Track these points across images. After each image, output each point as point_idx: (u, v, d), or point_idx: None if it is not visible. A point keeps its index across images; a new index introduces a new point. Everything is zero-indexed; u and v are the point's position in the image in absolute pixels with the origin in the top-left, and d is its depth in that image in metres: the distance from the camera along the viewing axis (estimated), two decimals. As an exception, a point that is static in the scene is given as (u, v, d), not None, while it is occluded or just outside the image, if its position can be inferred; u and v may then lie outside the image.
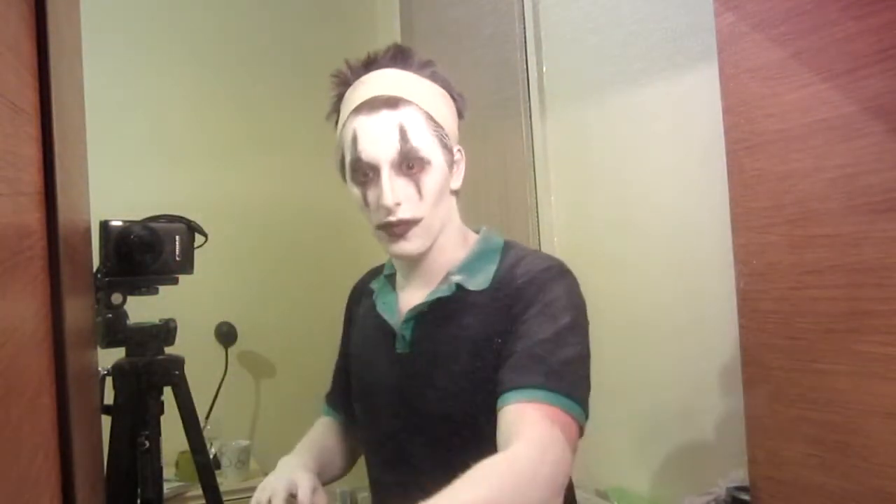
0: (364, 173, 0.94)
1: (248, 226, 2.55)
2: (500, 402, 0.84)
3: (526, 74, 1.93)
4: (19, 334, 0.56)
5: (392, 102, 0.93)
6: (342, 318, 1.21)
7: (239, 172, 2.56)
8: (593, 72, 1.76)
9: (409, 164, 0.93)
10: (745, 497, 1.14)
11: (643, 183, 1.63)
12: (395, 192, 0.92)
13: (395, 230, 0.94)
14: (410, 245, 0.95)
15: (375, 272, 1.15)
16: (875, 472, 0.78)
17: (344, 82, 1.01)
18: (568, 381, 0.85)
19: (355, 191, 0.97)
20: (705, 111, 1.19)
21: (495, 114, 2.03)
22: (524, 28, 1.93)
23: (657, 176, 1.60)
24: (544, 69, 1.91)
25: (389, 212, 0.92)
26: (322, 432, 1.15)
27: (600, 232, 1.77)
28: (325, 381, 1.24)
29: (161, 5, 2.48)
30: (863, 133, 0.78)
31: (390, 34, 2.67)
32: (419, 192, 0.94)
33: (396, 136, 0.92)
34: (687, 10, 1.49)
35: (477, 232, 1.05)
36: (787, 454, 0.88)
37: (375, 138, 0.92)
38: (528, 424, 0.79)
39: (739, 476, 1.24)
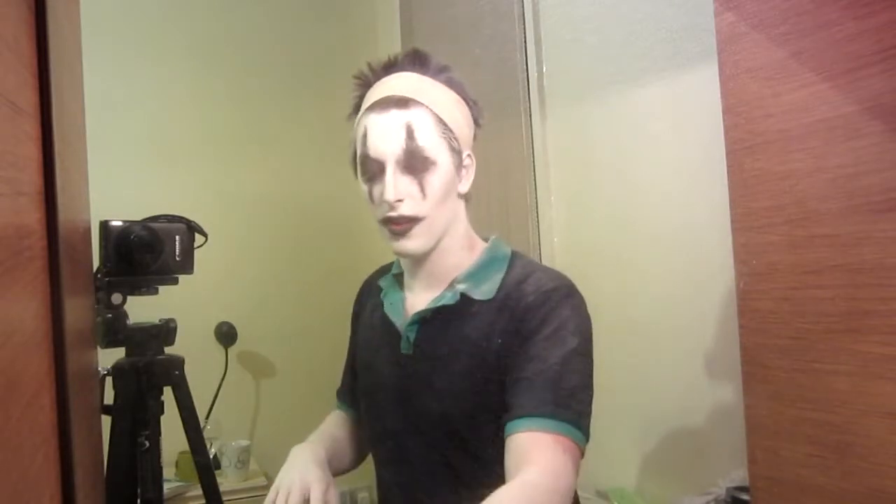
0: (371, 169, 0.97)
1: (248, 226, 2.55)
2: (511, 426, 0.87)
3: (526, 74, 1.93)
4: (19, 334, 0.56)
5: (402, 103, 0.96)
6: (350, 315, 1.22)
7: (239, 172, 2.56)
8: (593, 72, 1.76)
9: (414, 162, 0.95)
10: (745, 497, 1.14)
11: (643, 183, 1.63)
12: (397, 188, 0.94)
13: (396, 227, 0.96)
14: (411, 243, 0.97)
15: (385, 270, 1.17)
16: (875, 472, 0.78)
17: (366, 84, 1.03)
18: (575, 409, 0.88)
19: (363, 186, 1.00)
20: (705, 111, 1.18)
21: (495, 114, 2.03)
22: (524, 28, 1.93)
23: (657, 176, 1.60)
24: (544, 69, 1.91)
25: (391, 207, 0.95)
26: (335, 424, 1.17)
27: (600, 232, 1.77)
28: (325, 380, 1.25)
29: (161, 5, 2.48)
30: (863, 133, 0.78)
31: (390, 34, 2.67)
32: (422, 190, 0.96)
33: (403, 135, 0.95)
34: (687, 10, 1.49)
35: (485, 240, 1.07)
36: (787, 454, 0.88)
37: (383, 135, 0.95)
38: (541, 452, 0.83)
39: (739, 476, 1.24)
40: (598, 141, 1.78)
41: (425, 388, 0.98)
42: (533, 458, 0.82)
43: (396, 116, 0.95)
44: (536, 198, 1.92)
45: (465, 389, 0.95)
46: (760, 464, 0.93)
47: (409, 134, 0.95)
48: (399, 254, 1.01)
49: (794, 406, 0.87)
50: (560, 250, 1.88)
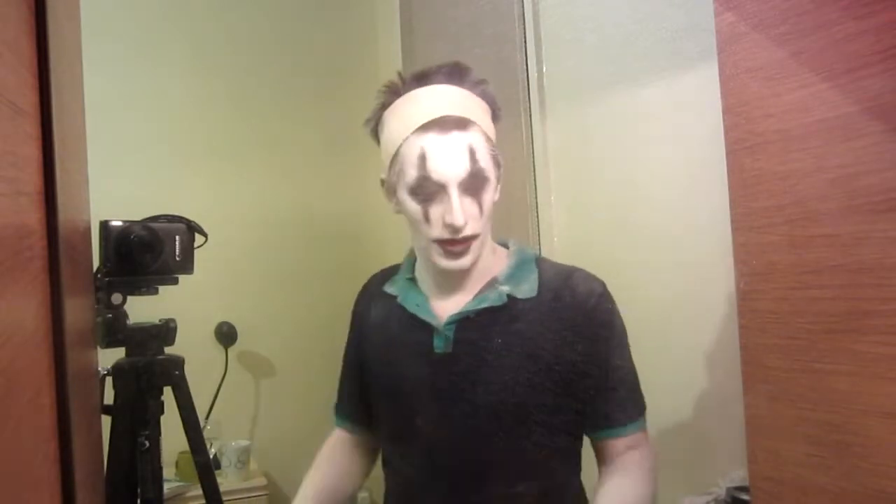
0: (430, 191, 0.96)
1: (249, 226, 2.55)
2: (607, 433, 1.03)
3: (526, 74, 1.92)
4: (19, 334, 0.56)
5: (462, 124, 0.96)
6: (348, 324, 1.21)
7: (239, 172, 2.56)
8: (593, 72, 1.76)
9: (476, 183, 0.96)
10: (745, 497, 1.14)
11: (643, 183, 1.63)
12: (465, 211, 0.95)
13: (456, 247, 0.97)
14: (466, 260, 0.99)
15: (385, 276, 1.16)
16: (875, 472, 0.78)
17: (393, 92, 1.01)
18: (643, 403, 1.07)
19: (414, 206, 0.98)
20: (705, 111, 1.18)
21: (495, 114, 2.03)
22: (524, 28, 1.93)
23: (657, 176, 1.60)
24: (544, 69, 1.91)
25: (457, 230, 0.95)
26: (330, 464, 1.16)
27: (600, 232, 1.77)
28: (325, 380, 1.24)
29: (161, 5, 2.48)
30: (863, 133, 0.78)
31: (390, 34, 2.67)
32: (480, 209, 0.98)
33: (467, 158, 0.95)
34: (687, 10, 1.49)
35: (503, 244, 1.10)
36: (787, 454, 0.88)
37: (446, 158, 0.94)
38: (638, 450, 1.04)
39: (739, 476, 1.24)
40: (598, 141, 1.78)
41: (469, 385, 0.99)
42: (641, 457, 1.03)
43: (458, 138, 0.95)
44: (536, 198, 1.92)
45: (516, 383, 0.98)
46: (760, 464, 0.93)
47: (472, 156, 0.95)
48: (451, 270, 1.00)
49: (794, 406, 0.87)
50: (560, 250, 1.88)
